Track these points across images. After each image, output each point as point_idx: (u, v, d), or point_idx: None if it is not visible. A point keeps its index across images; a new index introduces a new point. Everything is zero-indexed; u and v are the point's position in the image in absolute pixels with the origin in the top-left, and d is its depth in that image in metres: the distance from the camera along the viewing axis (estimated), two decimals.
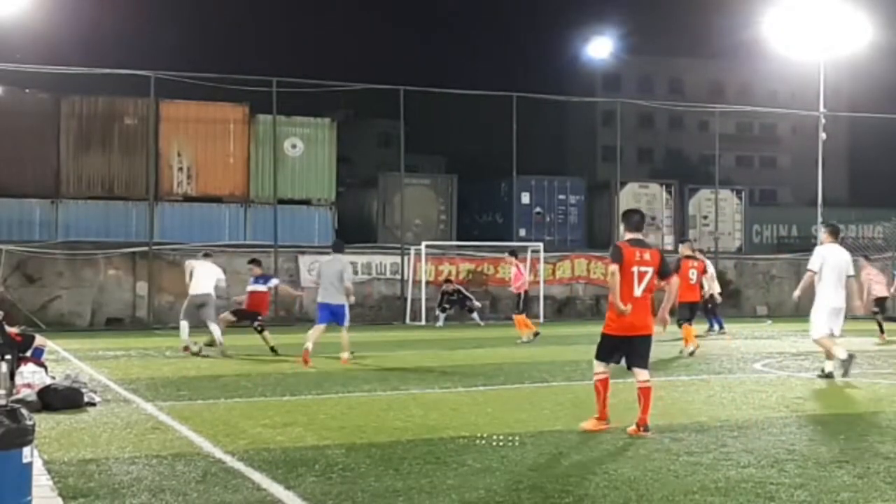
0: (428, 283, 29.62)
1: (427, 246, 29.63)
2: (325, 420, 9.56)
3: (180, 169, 28.89)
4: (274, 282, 19.51)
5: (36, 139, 27.67)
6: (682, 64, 78.84)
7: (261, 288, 18.88)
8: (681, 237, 23.95)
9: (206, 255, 19.00)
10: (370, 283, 29.62)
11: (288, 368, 14.81)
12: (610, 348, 8.98)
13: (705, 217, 35.51)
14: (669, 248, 31.91)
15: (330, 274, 15.78)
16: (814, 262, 13.41)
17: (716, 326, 23.13)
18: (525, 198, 32.93)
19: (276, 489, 6.54)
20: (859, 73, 52.40)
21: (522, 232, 32.32)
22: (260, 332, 18.39)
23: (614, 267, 8.89)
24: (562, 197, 33.58)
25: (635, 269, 8.88)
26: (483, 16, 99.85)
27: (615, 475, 6.89)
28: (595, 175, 54.41)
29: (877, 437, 8.55)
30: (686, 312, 18.05)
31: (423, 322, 28.51)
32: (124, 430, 8.98)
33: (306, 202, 30.07)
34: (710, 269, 21.79)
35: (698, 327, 25.12)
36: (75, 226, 27.60)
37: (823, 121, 33.51)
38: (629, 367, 8.95)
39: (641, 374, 8.84)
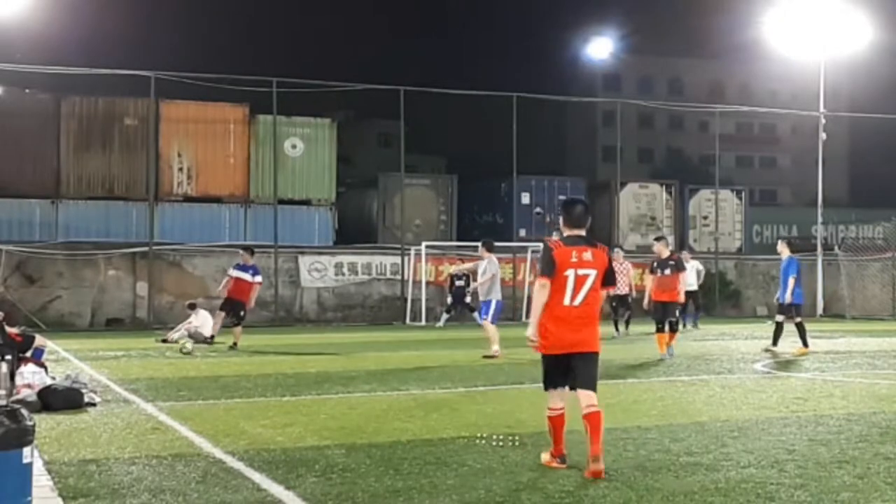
0: (428, 283, 29.63)
1: (427, 246, 29.62)
2: (325, 420, 9.55)
3: (180, 169, 28.88)
4: (259, 278, 19.26)
5: (36, 139, 27.67)
6: (682, 64, 78.88)
7: (247, 277, 18.79)
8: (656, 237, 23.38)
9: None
10: (370, 283, 29.62)
11: (288, 369, 14.81)
12: (553, 372, 7.25)
13: (705, 217, 35.51)
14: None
15: (497, 273, 16.95)
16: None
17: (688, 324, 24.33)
18: (525, 198, 32.90)
19: (276, 489, 6.53)
20: (859, 73, 52.46)
21: (522, 232, 32.29)
22: (237, 324, 18.41)
23: (544, 280, 7.09)
24: (562, 197, 33.49)
25: (571, 272, 7.07)
26: (483, 16, 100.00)
27: (615, 475, 6.88)
28: (595, 175, 54.47)
29: (877, 437, 8.54)
30: (660, 313, 16.60)
31: (423, 322, 28.52)
32: (124, 430, 8.98)
33: (306, 202, 30.06)
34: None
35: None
36: (75, 226, 27.58)
37: (823, 121, 33.53)
38: (572, 388, 7.18)
39: (586, 398, 7.04)
